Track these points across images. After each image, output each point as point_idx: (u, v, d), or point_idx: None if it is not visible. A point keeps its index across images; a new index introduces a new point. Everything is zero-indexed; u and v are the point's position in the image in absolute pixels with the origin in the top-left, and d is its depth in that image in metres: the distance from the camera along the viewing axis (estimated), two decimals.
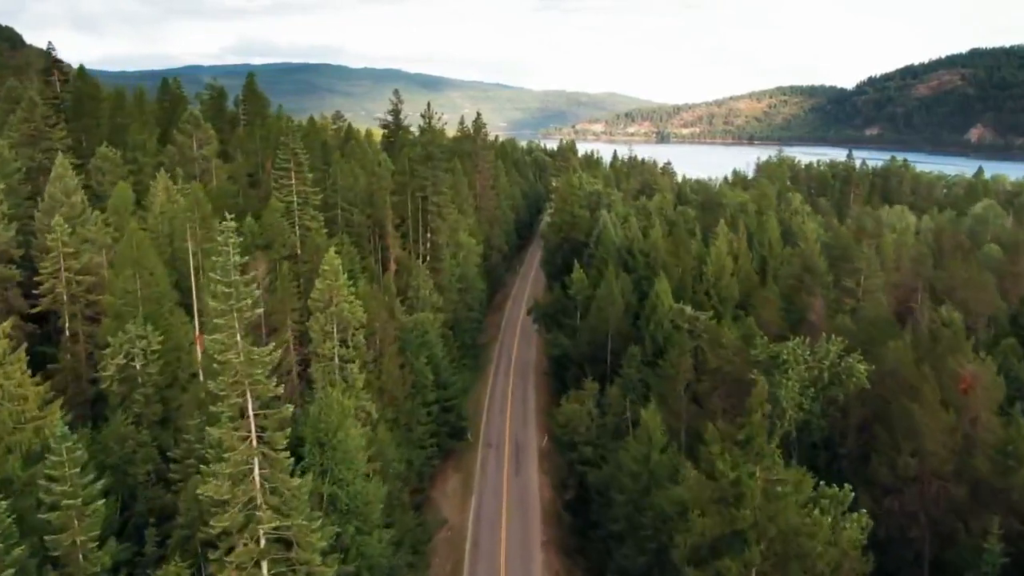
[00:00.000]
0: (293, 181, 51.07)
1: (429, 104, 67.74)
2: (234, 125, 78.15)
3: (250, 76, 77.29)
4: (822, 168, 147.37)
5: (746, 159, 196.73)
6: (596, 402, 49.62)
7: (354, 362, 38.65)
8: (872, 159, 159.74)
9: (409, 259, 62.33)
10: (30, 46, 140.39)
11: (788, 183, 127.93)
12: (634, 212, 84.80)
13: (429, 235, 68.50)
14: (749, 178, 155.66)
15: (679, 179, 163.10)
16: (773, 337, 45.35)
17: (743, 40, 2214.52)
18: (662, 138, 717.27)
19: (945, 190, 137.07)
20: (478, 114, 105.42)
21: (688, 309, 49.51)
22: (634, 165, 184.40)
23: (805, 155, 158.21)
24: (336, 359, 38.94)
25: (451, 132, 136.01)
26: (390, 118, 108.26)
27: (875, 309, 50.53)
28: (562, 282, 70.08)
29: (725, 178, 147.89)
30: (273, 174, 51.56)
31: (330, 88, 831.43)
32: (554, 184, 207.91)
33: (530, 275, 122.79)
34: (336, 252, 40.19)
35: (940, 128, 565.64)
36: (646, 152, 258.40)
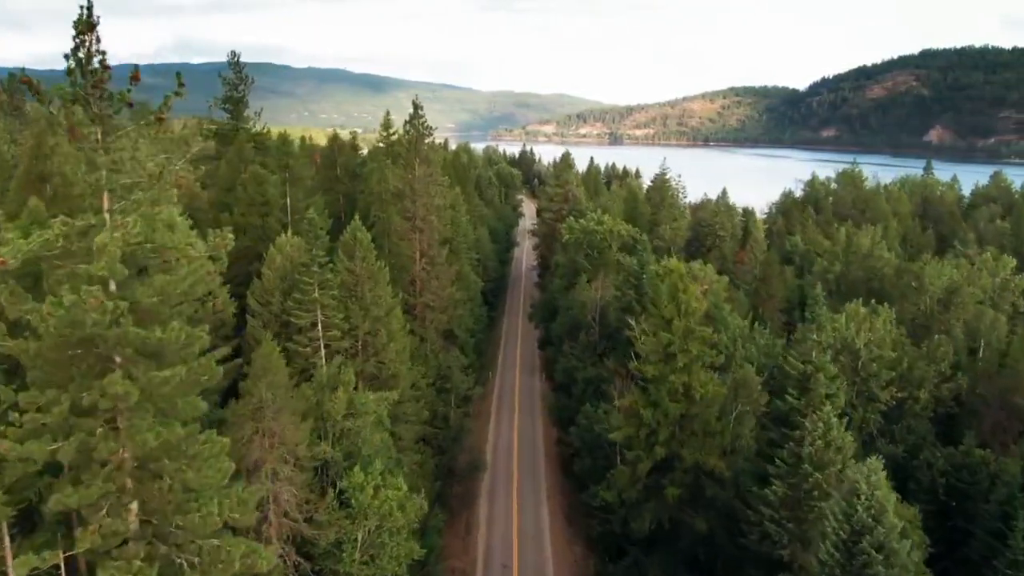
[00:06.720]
0: None
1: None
2: None
3: None
4: (933, 189, 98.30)
5: (782, 171, 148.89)
6: None
7: None
8: (834, 162, 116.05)
9: None
10: None
11: (913, 217, 79.10)
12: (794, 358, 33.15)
13: None
14: (787, 199, 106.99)
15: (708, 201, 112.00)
16: None
17: (692, 41, 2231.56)
18: (615, 140, 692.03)
19: None
20: (416, 108, 50.45)
21: None
22: (634, 183, 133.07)
23: (763, 157, 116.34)
24: None
25: (399, 136, 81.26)
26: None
27: None
28: None
29: (782, 207, 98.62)
30: None
31: (272, 88, 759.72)
32: (529, 214, 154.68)
33: (514, 396, 64.06)
34: None
35: (899, 130, 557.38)
36: (604, 155, 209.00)
